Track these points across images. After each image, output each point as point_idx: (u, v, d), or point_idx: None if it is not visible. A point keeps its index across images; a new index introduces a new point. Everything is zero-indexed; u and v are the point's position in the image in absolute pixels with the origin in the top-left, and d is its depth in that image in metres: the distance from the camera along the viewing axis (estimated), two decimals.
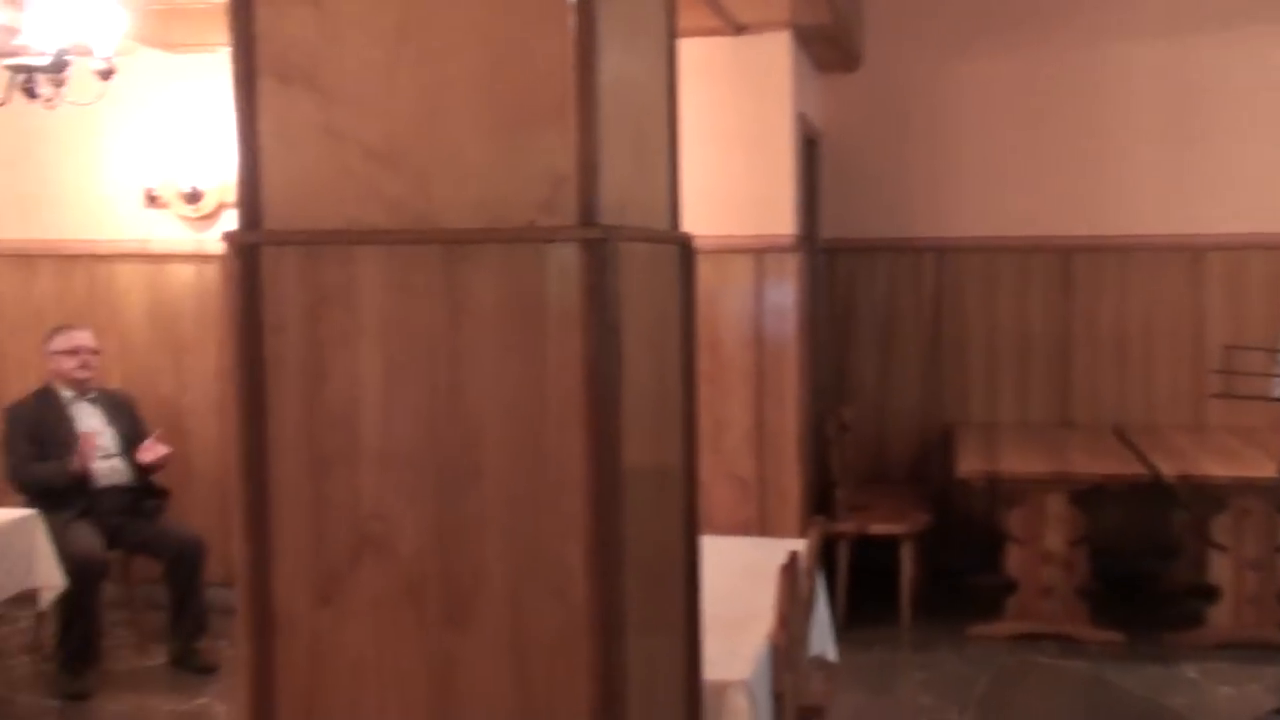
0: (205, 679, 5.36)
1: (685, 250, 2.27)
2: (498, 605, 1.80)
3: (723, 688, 2.95)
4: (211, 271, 6.21)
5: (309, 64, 1.86)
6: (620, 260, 1.81)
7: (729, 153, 5.72)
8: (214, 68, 5.84)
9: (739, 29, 5.69)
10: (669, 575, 2.16)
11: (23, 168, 6.45)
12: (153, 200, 6.29)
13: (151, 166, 6.28)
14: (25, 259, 6.50)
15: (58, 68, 4.81)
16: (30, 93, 4.89)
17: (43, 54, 4.76)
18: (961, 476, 5.76)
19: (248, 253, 1.85)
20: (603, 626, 1.77)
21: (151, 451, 5.58)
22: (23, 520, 4.76)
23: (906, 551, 5.99)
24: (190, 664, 5.43)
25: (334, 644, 1.85)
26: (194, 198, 6.20)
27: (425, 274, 1.80)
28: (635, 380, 1.90)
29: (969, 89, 6.93)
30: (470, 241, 1.80)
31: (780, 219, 5.80)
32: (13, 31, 4.90)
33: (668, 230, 2.24)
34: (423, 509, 1.82)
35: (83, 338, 5.69)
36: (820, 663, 4.08)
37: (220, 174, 6.14)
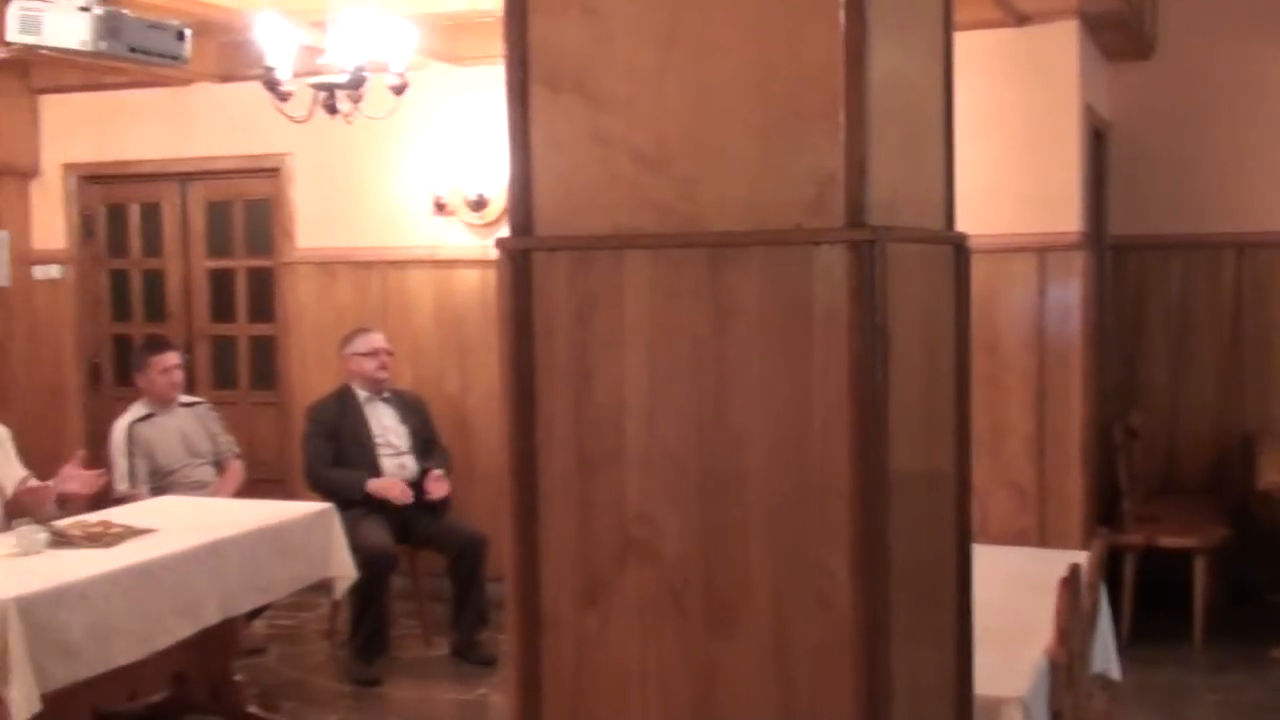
0: (485, 670, 5.55)
1: (960, 250, 2.20)
2: (761, 611, 1.78)
3: (997, 704, 2.84)
4: (495, 276, 6.43)
5: (579, 72, 1.89)
6: (889, 261, 1.76)
7: (1011, 148, 5.53)
8: (499, 79, 6.05)
9: (1022, 20, 5.50)
10: (939, 585, 2.09)
11: (324, 181, 6.85)
12: (441, 208, 6.57)
13: (440, 175, 6.56)
14: (326, 266, 6.89)
15: (355, 84, 5.08)
16: (331, 109, 5.18)
17: (342, 72, 5.04)
18: (1263, 489, 5.38)
19: (519, 259, 1.89)
20: (867, 635, 1.72)
21: (439, 488, 5.81)
22: (320, 513, 5.04)
23: (1200, 566, 5.64)
24: (471, 656, 5.64)
25: (599, 645, 1.87)
26: (479, 205, 6.44)
27: (691, 277, 1.80)
28: (904, 383, 1.84)
29: (1274, 73, 6.48)
30: (736, 245, 1.79)
31: (1065, 216, 5.57)
32: (317, 51, 5.22)
33: (941, 230, 2.17)
34: (687, 513, 1.82)
35: (380, 340, 5.99)
36: (1103, 681, 3.88)
37: (505, 181, 6.35)
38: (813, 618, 1.76)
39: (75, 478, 4.94)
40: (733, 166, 1.81)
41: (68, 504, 4.95)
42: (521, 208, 1.91)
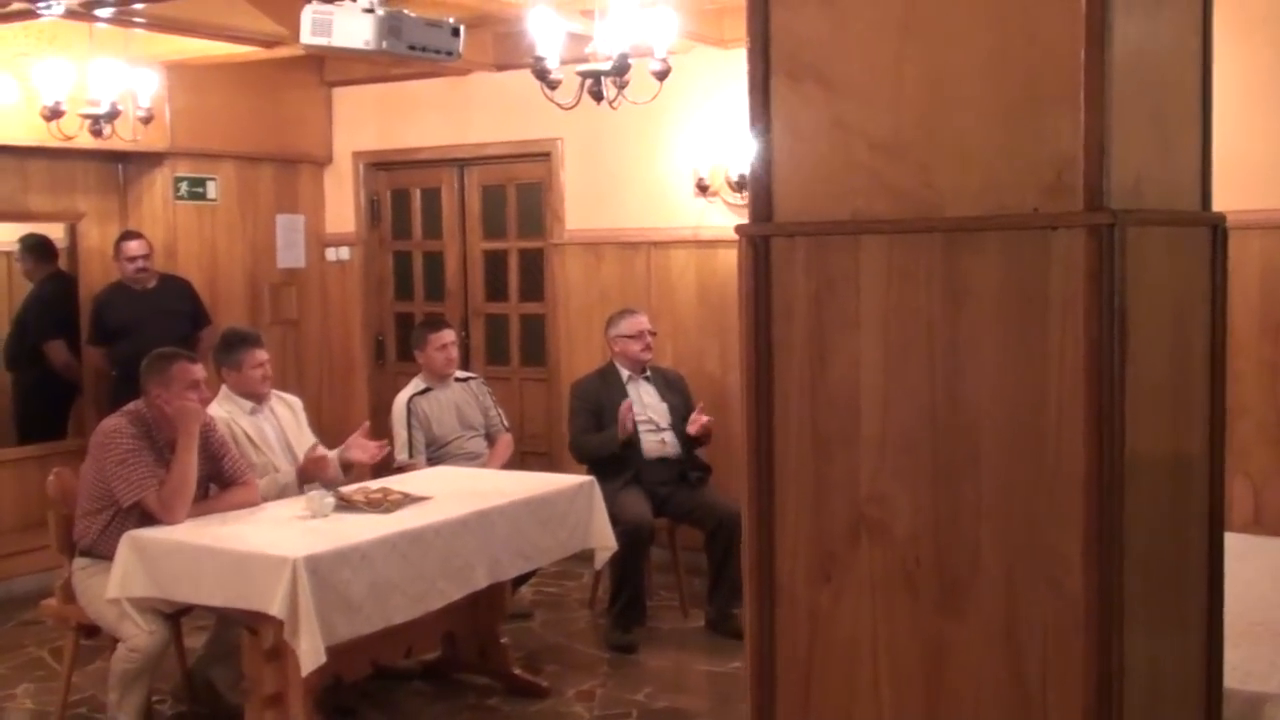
0: (739, 644, 5.61)
1: (1216, 231, 2.13)
2: (992, 592, 1.79)
3: (1260, 701, 2.73)
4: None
5: (819, 61, 1.93)
6: (1131, 245, 1.74)
7: None
8: None
9: None
10: (1182, 573, 2.05)
11: (591, 165, 7.06)
12: (703, 189, 6.67)
13: (703, 157, 6.66)
14: (592, 246, 7.11)
15: (620, 70, 5.21)
16: (597, 95, 5.34)
17: (608, 59, 5.19)
18: None
19: (759, 244, 1.96)
20: (1100, 621, 1.71)
21: (697, 424, 5.94)
22: (583, 485, 5.24)
23: None
24: (725, 629, 5.74)
25: (831, 620, 1.92)
26: (741, 185, 6.51)
27: (926, 262, 1.82)
28: (1146, 368, 1.81)
29: None
30: (972, 229, 1.80)
31: None
32: (585, 40, 5.39)
33: (1194, 211, 2.11)
34: (919, 493, 1.84)
35: (645, 321, 6.15)
36: None
37: None
38: (1044, 601, 1.76)
39: (360, 447, 5.29)
40: (969, 152, 1.82)
41: (351, 471, 5.30)
42: (762, 195, 1.97)
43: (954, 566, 1.82)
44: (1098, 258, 1.70)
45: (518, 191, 7.53)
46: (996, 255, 1.78)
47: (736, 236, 1.94)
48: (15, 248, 7.30)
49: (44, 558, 4.91)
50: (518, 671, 5.18)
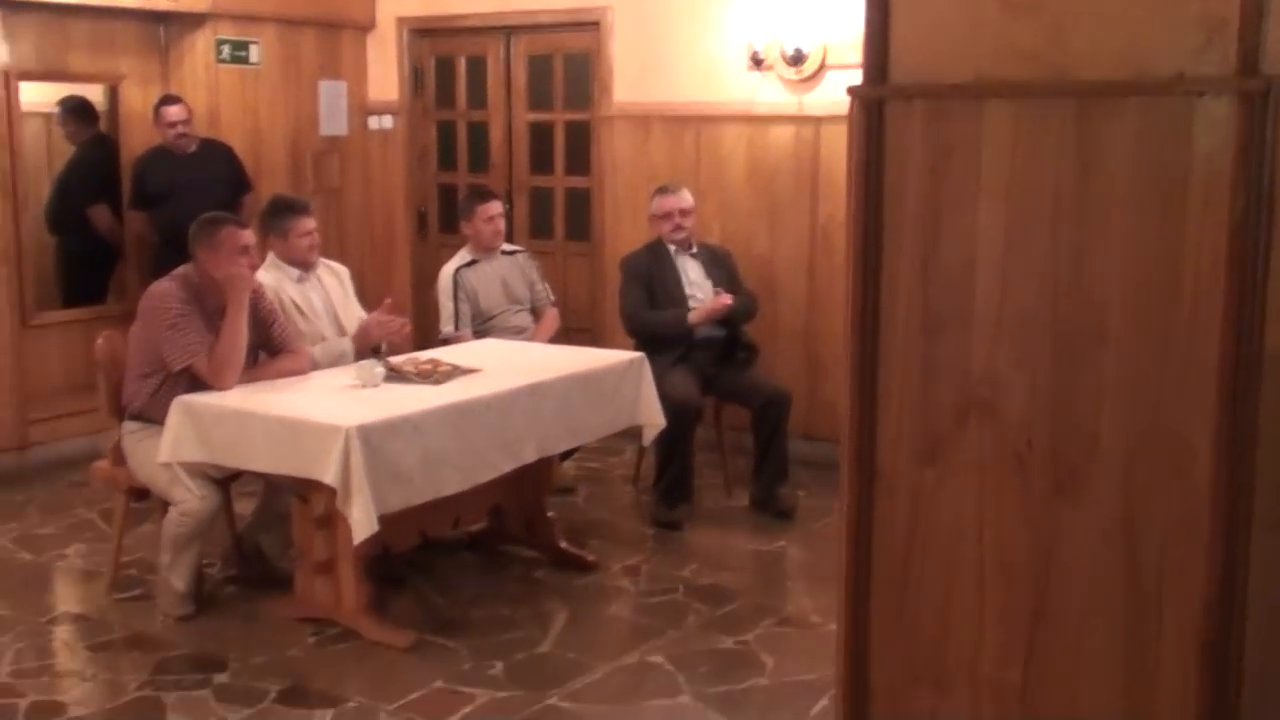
0: (784, 523, 5.64)
1: None
2: (1110, 480, 1.72)
3: None
4: (809, 133, 6.34)
5: None
6: None
7: None
8: None
9: None
10: None
11: (641, 36, 6.87)
12: (757, 63, 6.49)
13: (757, 29, 6.46)
14: (641, 120, 6.95)
15: None
16: None
17: None
18: None
19: (872, 107, 1.85)
20: (1226, 516, 1.64)
21: (717, 302, 5.79)
22: (632, 362, 5.17)
23: None
24: (770, 508, 5.72)
25: (934, 504, 1.85)
26: (797, 59, 6.33)
27: (1056, 130, 1.72)
28: None
29: None
30: (1108, 94, 1.69)
31: None
32: None
33: None
34: (1035, 375, 1.76)
35: (676, 200, 5.99)
36: None
37: (823, 36, 6.22)
38: (1166, 491, 1.68)
39: (381, 324, 5.21)
40: (1108, 10, 1.69)
41: (377, 345, 5.21)
42: (877, 53, 1.85)
43: (1069, 451, 1.75)
44: (1248, 129, 1.59)
45: (565, 62, 7.34)
46: (1133, 124, 1.67)
47: (790, 113, 1.82)
48: (56, 110, 7.18)
49: (90, 421, 4.91)
50: (564, 545, 5.18)
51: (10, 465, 6.35)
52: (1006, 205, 1.76)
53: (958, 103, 1.78)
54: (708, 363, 5.87)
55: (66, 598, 4.83)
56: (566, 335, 6.48)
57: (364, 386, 4.56)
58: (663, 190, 6.07)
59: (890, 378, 1.87)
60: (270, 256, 5.18)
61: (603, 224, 7.17)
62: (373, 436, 4.08)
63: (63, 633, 4.49)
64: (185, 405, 4.39)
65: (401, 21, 7.71)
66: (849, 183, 1.85)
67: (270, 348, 4.80)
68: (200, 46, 7.08)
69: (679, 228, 5.95)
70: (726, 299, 5.78)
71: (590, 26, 7.04)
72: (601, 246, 7.16)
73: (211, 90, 7.10)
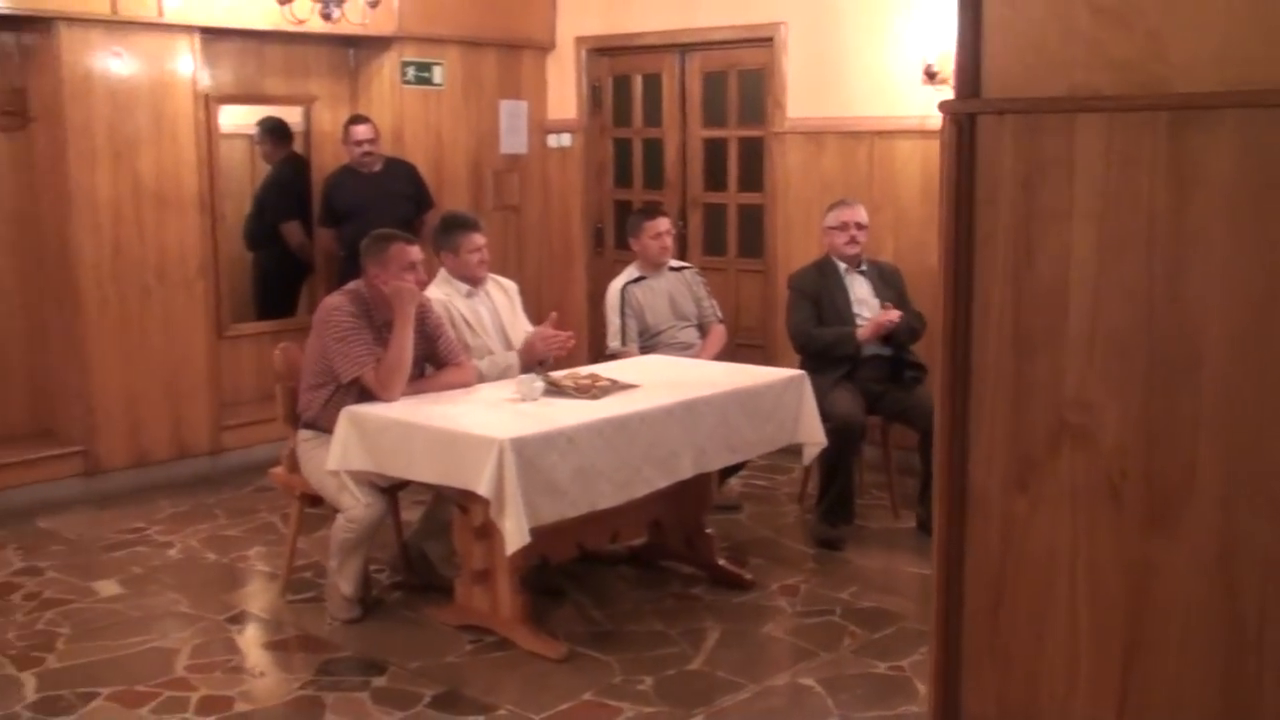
0: None
1: None
2: (1206, 512, 1.63)
3: None
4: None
5: None
6: None
7: None
8: None
9: None
10: None
11: (815, 51, 6.82)
12: (931, 77, 6.37)
13: (931, 43, 6.35)
14: (814, 135, 6.90)
15: None
16: None
17: None
18: None
19: (963, 122, 1.80)
20: None
21: (883, 317, 5.68)
22: (793, 379, 5.13)
23: None
24: None
25: (1027, 530, 1.79)
26: None
27: (1151, 143, 1.64)
28: None
29: None
30: (1206, 106, 1.60)
31: None
32: None
33: None
34: (1129, 400, 1.68)
35: (854, 214, 5.92)
36: None
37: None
38: (1268, 528, 1.59)
39: (546, 338, 5.28)
40: (1205, 18, 1.61)
41: (548, 362, 5.29)
42: (969, 68, 1.81)
43: (1165, 482, 1.67)
44: None
45: (739, 78, 7.35)
46: (1233, 136, 1.58)
47: None
48: (255, 131, 7.55)
49: (277, 427, 5.13)
50: (722, 562, 5.17)
51: (204, 469, 6.70)
52: (1100, 221, 1.69)
53: (1050, 117, 1.72)
54: (874, 381, 5.78)
55: (244, 598, 5.06)
56: (736, 352, 6.47)
57: (523, 400, 4.64)
58: (839, 203, 6.02)
59: (982, 397, 1.82)
60: (441, 272, 5.33)
61: (775, 240, 7.14)
62: (526, 449, 4.15)
63: (237, 631, 4.70)
64: (352, 415, 4.55)
65: (580, 41, 7.85)
66: (941, 199, 1.81)
67: (437, 361, 4.93)
68: (387, 68, 7.34)
69: (853, 240, 5.88)
70: (894, 314, 5.69)
71: (764, 43, 7.03)
72: (773, 263, 7.13)
73: (397, 110, 7.36)
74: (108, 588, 5.12)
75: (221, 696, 4.13)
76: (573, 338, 5.35)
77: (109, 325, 6.33)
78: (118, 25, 6.21)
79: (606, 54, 7.87)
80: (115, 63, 6.23)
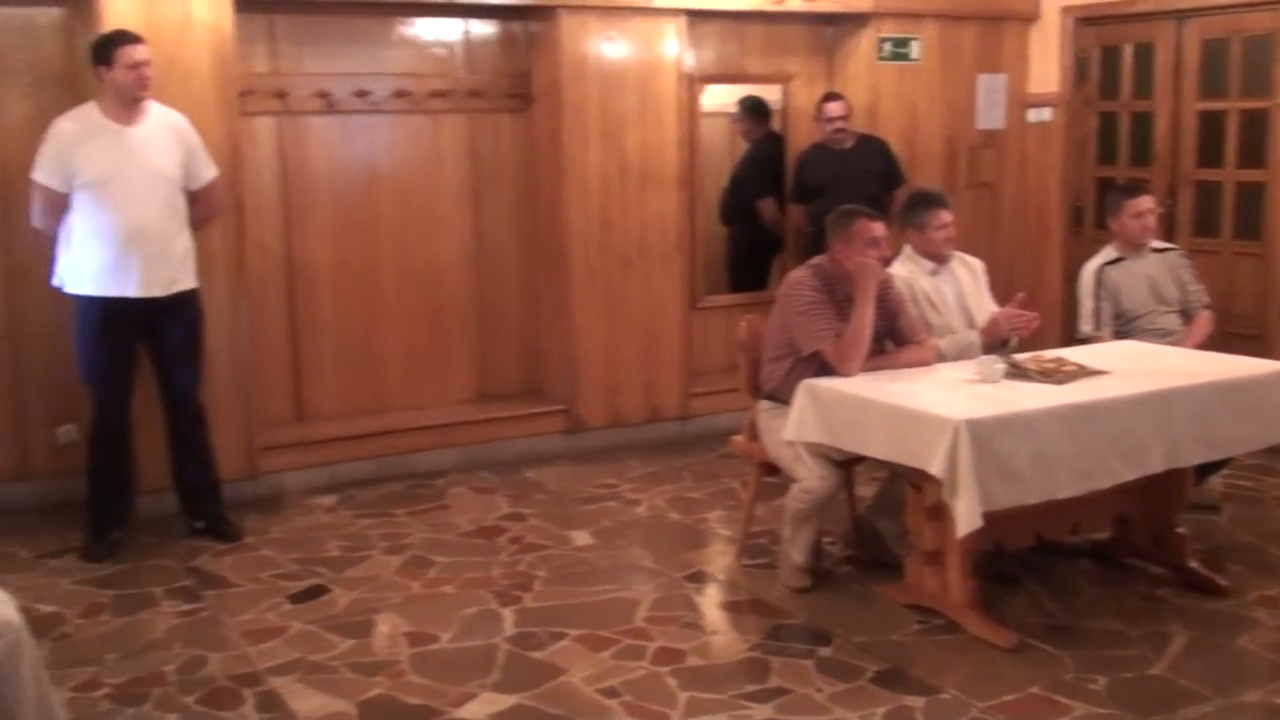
0: None
1: None
2: None
3: None
4: None
5: None
6: None
7: None
8: None
9: None
10: None
11: None
12: None
13: None
14: None
15: None
16: None
17: None
18: None
19: None
20: None
21: None
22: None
23: None
24: None
25: None
26: None
27: None
28: None
29: None
30: None
31: None
32: None
33: None
34: None
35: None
36: None
37: None
38: None
39: (1011, 318, 5.10)
40: None
41: (1005, 340, 5.10)
42: None
43: None
44: None
45: (1243, 45, 6.77)
46: None
47: None
48: (735, 109, 7.79)
49: (741, 397, 5.31)
50: (1194, 565, 4.83)
51: (673, 433, 7.04)
52: None
53: None
54: None
55: (702, 558, 5.27)
56: (1226, 342, 6.01)
57: (983, 381, 4.54)
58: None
59: None
60: (905, 249, 5.29)
61: (1276, 222, 6.54)
62: (983, 431, 4.06)
63: (694, 590, 4.91)
64: (810, 388, 4.62)
65: (1066, 11, 7.53)
66: None
67: (896, 337, 4.92)
68: (863, 45, 7.36)
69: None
70: None
71: (1272, 5, 6.44)
72: (1273, 246, 6.54)
73: (872, 87, 7.37)
74: (581, 538, 5.51)
75: (676, 649, 4.34)
76: (1038, 318, 5.15)
77: (594, 294, 6.77)
78: (612, 11, 6.60)
79: (1094, 23, 7.49)
80: (608, 46, 6.63)
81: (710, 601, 4.82)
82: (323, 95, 6.33)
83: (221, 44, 5.69)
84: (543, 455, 6.73)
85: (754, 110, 7.71)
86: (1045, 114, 7.71)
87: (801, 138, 7.41)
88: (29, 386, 5.87)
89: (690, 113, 6.97)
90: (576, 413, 6.83)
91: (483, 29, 6.72)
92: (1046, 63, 7.67)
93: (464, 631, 4.51)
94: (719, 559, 5.26)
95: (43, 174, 5.15)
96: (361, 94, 6.41)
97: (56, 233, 5.23)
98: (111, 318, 5.21)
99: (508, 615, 4.65)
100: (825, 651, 4.29)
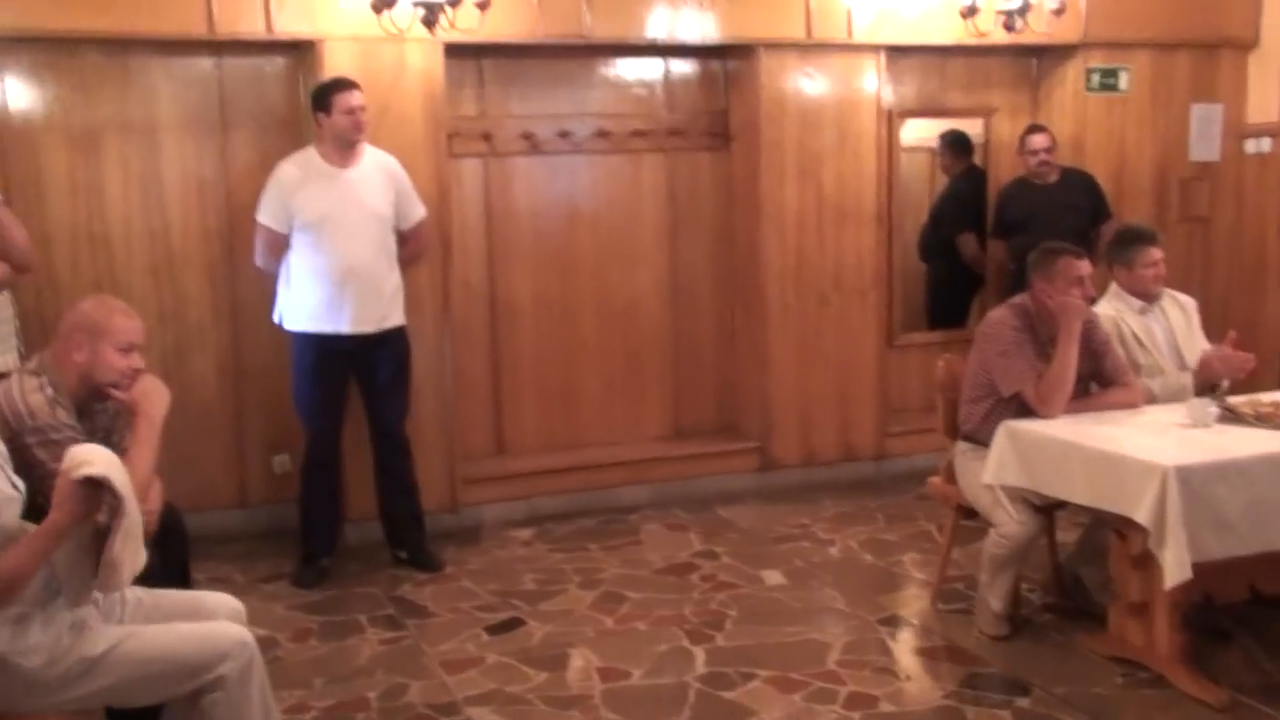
0: None
1: None
2: None
3: None
4: None
5: None
6: None
7: None
8: None
9: None
10: None
11: None
12: None
13: None
14: None
15: None
16: None
17: None
18: None
19: None
20: None
21: None
22: None
23: None
24: None
25: None
26: None
27: None
28: None
29: None
30: None
31: None
32: None
33: None
34: None
35: None
36: None
37: None
38: None
39: (1223, 359, 4.89)
40: None
41: (1218, 382, 4.87)
42: None
43: None
44: None
45: None
46: None
47: None
48: (935, 144, 7.69)
49: (938, 437, 5.21)
50: None
51: (868, 474, 6.96)
52: None
53: None
54: None
55: (896, 601, 5.19)
56: None
57: (1194, 426, 4.37)
58: None
59: None
60: (1113, 287, 5.13)
61: None
62: (1193, 479, 3.91)
63: (888, 634, 4.83)
64: (1010, 430, 4.52)
65: None
66: None
67: (1102, 379, 4.77)
68: (1070, 76, 7.18)
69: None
70: None
71: None
72: None
73: (1078, 119, 7.17)
74: (773, 577, 5.49)
75: (868, 694, 4.28)
76: (1253, 359, 4.92)
77: (789, 331, 6.76)
78: (811, 48, 6.60)
79: None
80: (806, 83, 6.63)
81: (904, 647, 4.74)
82: (527, 136, 6.51)
83: (433, 89, 5.91)
84: (735, 493, 6.73)
85: (955, 144, 7.59)
86: (1264, 144, 7.37)
87: (1004, 172, 7.27)
88: (249, 417, 6.17)
89: (889, 148, 6.91)
90: (770, 450, 6.82)
91: (682, 68, 6.81)
92: (1266, 91, 7.34)
93: (655, 669, 4.54)
94: (914, 603, 5.17)
95: (265, 215, 5.43)
96: (564, 135, 6.57)
97: (277, 271, 5.51)
98: (325, 353, 5.45)
99: (699, 654, 4.67)
100: (1023, 702, 4.17)
